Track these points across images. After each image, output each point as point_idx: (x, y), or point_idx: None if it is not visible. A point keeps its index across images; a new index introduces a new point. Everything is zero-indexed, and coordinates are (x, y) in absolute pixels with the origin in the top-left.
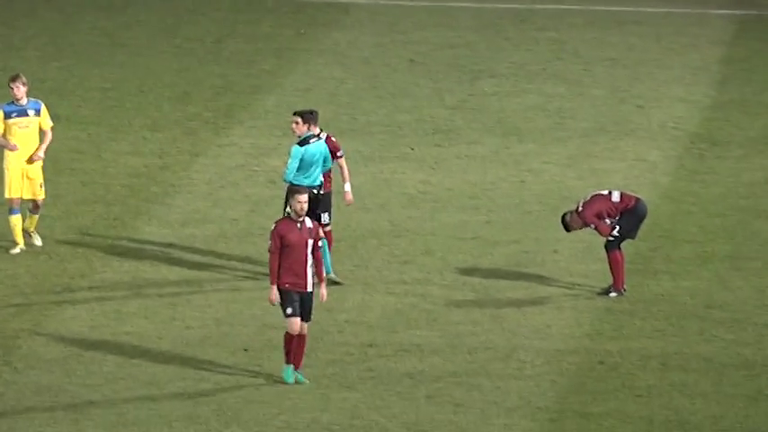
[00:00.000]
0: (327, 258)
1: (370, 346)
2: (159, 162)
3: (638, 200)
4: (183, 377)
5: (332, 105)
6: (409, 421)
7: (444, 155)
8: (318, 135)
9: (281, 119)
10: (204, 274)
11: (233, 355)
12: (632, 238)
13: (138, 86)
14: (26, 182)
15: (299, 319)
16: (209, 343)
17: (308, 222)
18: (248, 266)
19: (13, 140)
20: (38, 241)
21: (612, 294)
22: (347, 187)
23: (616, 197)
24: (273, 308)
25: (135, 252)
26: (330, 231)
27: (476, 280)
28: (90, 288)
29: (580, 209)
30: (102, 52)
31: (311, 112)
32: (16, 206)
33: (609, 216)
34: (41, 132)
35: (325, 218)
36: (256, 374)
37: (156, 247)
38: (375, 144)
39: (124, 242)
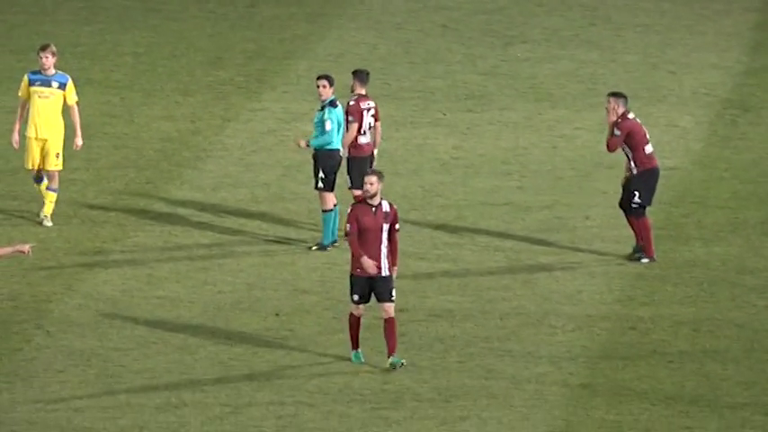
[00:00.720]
0: (335, 221)
1: (402, 311)
2: (191, 127)
3: (656, 164)
4: (214, 342)
5: None
6: (440, 386)
7: (477, 120)
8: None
9: (313, 84)
10: (236, 239)
11: (264, 319)
12: (649, 204)
13: (171, 51)
14: (43, 152)
15: (362, 306)
16: (241, 307)
17: (385, 206)
18: (280, 231)
19: (32, 108)
20: (48, 222)
21: (645, 260)
22: (344, 152)
23: (649, 149)
24: (304, 272)
25: (167, 216)
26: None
27: (507, 245)
28: (122, 252)
29: (630, 115)
30: (135, 17)
31: (366, 72)
32: (35, 176)
33: (626, 147)
34: (66, 107)
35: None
36: (288, 339)
37: (187, 212)
38: (407, 109)
39: (156, 206)
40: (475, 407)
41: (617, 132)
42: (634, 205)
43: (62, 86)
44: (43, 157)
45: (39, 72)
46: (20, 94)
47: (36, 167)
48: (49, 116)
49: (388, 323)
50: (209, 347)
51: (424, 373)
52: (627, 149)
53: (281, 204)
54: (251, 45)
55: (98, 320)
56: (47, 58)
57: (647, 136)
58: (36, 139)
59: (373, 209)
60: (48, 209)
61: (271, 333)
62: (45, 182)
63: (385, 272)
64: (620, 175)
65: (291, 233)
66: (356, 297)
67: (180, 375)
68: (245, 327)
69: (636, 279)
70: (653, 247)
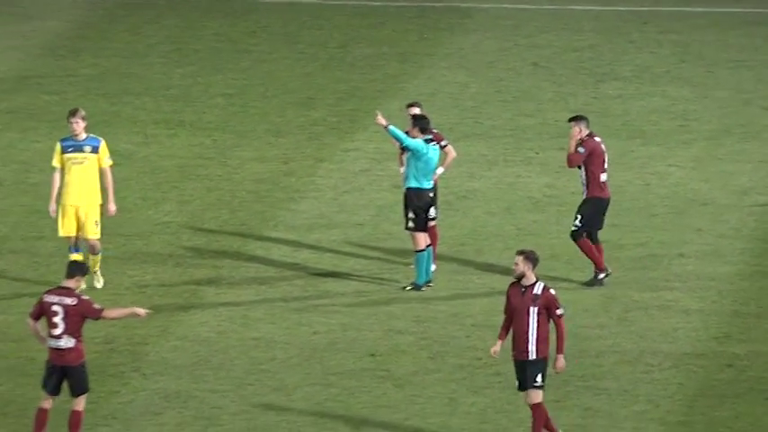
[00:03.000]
0: (429, 261)
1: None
2: (284, 168)
3: (608, 194)
4: (310, 382)
5: (456, 110)
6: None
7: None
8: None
9: (404, 123)
10: (330, 279)
11: (360, 360)
12: (596, 228)
13: (262, 92)
14: (79, 220)
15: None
16: (336, 348)
17: (537, 288)
18: (374, 271)
19: (67, 175)
20: (98, 283)
21: (601, 276)
22: (440, 171)
23: (603, 178)
24: (399, 312)
25: (261, 258)
26: (435, 227)
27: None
28: (217, 293)
29: (597, 138)
30: (226, 58)
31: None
32: (73, 245)
33: (583, 169)
34: (101, 171)
35: (432, 212)
36: (384, 379)
37: (281, 253)
38: (499, 148)
39: (250, 248)
40: None
41: (581, 149)
42: (573, 227)
43: (95, 150)
44: (81, 225)
45: (70, 138)
46: (53, 163)
47: (71, 235)
48: (83, 182)
49: (532, 409)
50: (306, 388)
51: (520, 412)
52: (582, 172)
53: (375, 244)
54: (342, 85)
55: (194, 362)
56: (77, 123)
57: (606, 164)
58: (71, 205)
59: (523, 289)
60: (95, 265)
61: (367, 373)
62: (80, 252)
63: (532, 356)
64: (715, 211)
65: (385, 273)
66: (518, 383)
67: (276, 417)
68: (340, 367)
69: (732, 316)
70: (603, 260)
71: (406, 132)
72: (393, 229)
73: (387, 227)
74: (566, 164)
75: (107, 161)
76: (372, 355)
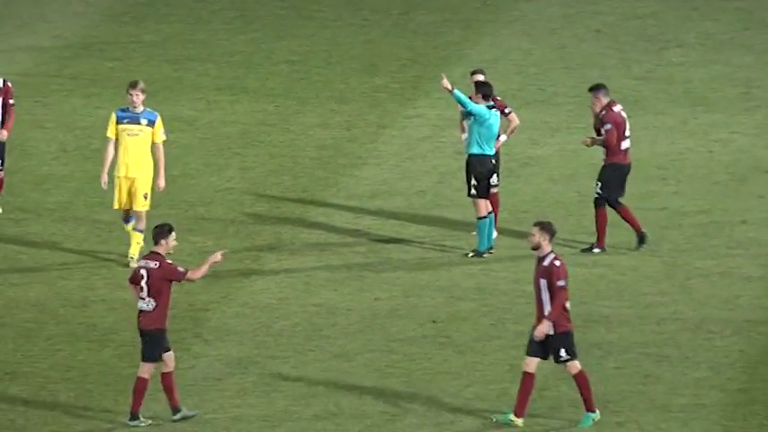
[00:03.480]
0: (491, 228)
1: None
2: (347, 134)
3: (629, 161)
4: (371, 349)
5: (519, 76)
6: (598, 392)
7: (632, 125)
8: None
9: (467, 90)
10: (391, 246)
11: (421, 326)
12: (617, 196)
13: (325, 59)
14: (131, 192)
15: (529, 359)
16: (398, 314)
17: (547, 261)
18: (435, 238)
19: (120, 147)
20: (134, 264)
21: (596, 250)
22: (503, 138)
23: (625, 145)
24: (461, 279)
25: (323, 224)
26: (497, 194)
27: (664, 250)
28: (278, 260)
29: (615, 108)
30: (289, 25)
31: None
32: (125, 216)
33: (604, 134)
34: (153, 145)
35: (494, 179)
36: (445, 346)
37: (343, 219)
38: (562, 115)
39: (312, 214)
40: (633, 413)
41: (607, 127)
42: (596, 195)
43: (151, 123)
44: (131, 196)
45: (127, 109)
46: (108, 133)
47: (124, 207)
48: (137, 154)
49: (574, 379)
50: (366, 355)
51: None
52: (601, 138)
53: (437, 211)
54: (405, 52)
55: (255, 328)
56: (137, 95)
57: (627, 132)
58: (125, 177)
59: (537, 261)
60: (134, 250)
61: (428, 340)
62: (133, 222)
63: (549, 330)
64: None
65: (447, 240)
66: (527, 346)
67: (337, 383)
68: (401, 334)
69: None
70: (605, 239)
71: (469, 98)
72: (455, 196)
73: (449, 193)
74: (607, 146)
75: (161, 136)
76: (434, 321)
